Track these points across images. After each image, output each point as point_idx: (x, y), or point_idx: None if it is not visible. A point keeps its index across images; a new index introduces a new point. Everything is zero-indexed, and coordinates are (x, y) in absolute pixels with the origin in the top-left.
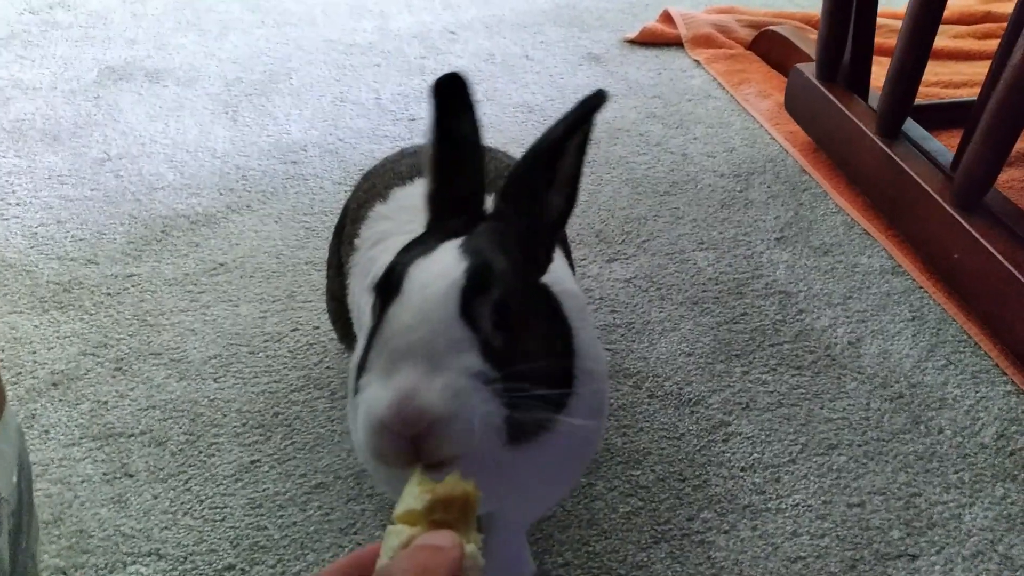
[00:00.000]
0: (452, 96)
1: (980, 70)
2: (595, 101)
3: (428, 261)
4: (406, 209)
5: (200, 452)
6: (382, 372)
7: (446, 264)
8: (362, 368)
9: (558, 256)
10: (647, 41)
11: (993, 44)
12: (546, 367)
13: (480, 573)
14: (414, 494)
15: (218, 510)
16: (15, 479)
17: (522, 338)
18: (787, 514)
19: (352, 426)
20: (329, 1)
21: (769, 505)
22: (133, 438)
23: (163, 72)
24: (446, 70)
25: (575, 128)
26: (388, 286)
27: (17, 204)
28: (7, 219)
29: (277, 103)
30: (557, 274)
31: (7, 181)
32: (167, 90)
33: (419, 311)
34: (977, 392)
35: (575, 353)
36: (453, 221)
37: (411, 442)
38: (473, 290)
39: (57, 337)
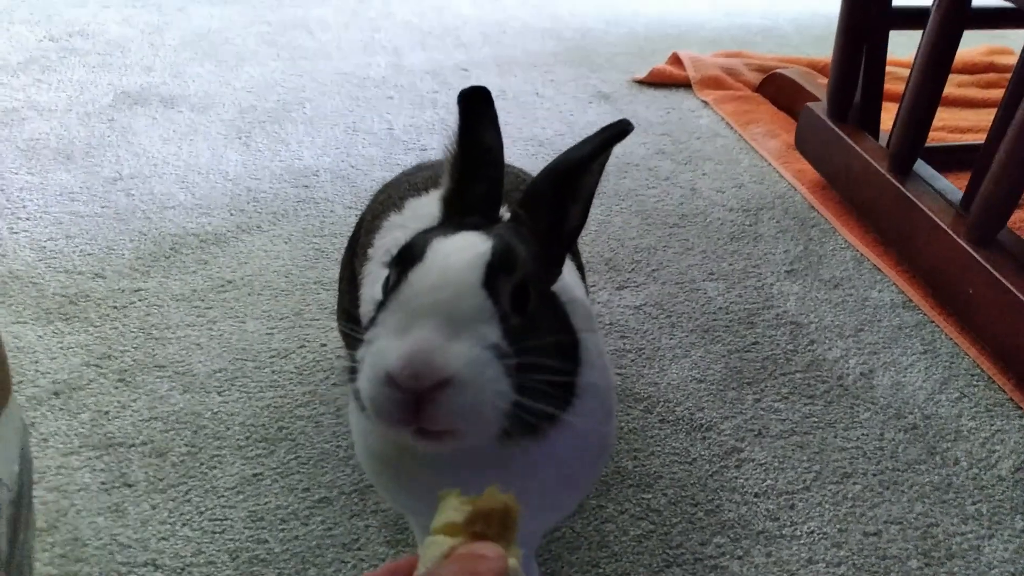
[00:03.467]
0: (478, 106)
1: (984, 117)
2: (620, 127)
3: (451, 238)
4: (421, 218)
5: (201, 464)
6: (397, 328)
7: (471, 240)
8: (369, 327)
9: (570, 268)
10: (656, 81)
11: (996, 93)
12: (557, 360)
13: None
14: (453, 506)
15: (218, 522)
16: (16, 468)
17: (537, 328)
18: (802, 541)
19: (353, 423)
20: (343, 37)
21: (784, 532)
22: (134, 448)
23: (178, 98)
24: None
25: (601, 151)
26: (408, 257)
27: (27, 219)
28: (16, 233)
29: (290, 130)
30: (566, 282)
31: (18, 196)
32: (181, 115)
33: (443, 275)
34: (992, 425)
35: (580, 362)
36: (469, 219)
37: (415, 401)
38: (497, 266)
39: (60, 348)
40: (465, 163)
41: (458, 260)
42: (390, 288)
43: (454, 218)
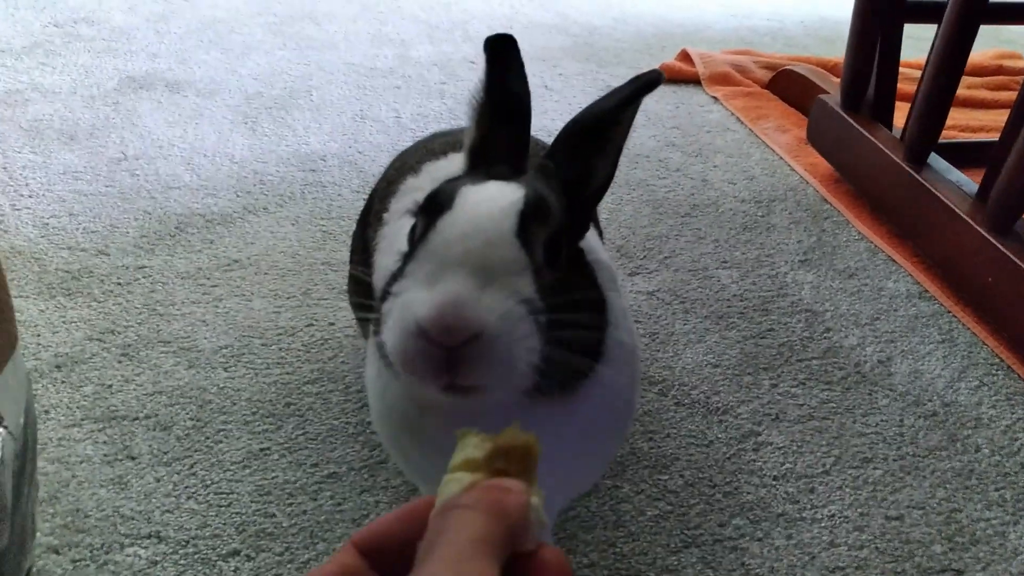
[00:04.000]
0: (505, 53)
1: (994, 117)
2: (651, 77)
3: (481, 187)
4: (439, 180)
5: (207, 438)
6: (426, 278)
7: (503, 190)
8: (395, 279)
9: (591, 230)
10: (665, 77)
11: (1005, 95)
12: (585, 318)
13: (543, 528)
14: (473, 443)
15: (224, 495)
16: (22, 421)
17: (568, 283)
18: (823, 524)
19: (370, 385)
20: (351, 29)
21: (804, 515)
22: (137, 421)
23: (184, 83)
24: (466, 95)
25: (630, 101)
26: (436, 205)
27: (30, 196)
28: (19, 210)
29: (297, 117)
30: (591, 243)
31: (21, 175)
32: (187, 100)
33: (475, 223)
34: (1013, 413)
35: (608, 323)
36: (497, 168)
37: (446, 355)
38: (531, 216)
39: (63, 322)
40: (492, 111)
41: (490, 208)
42: (417, 237)
43: (481, 168)
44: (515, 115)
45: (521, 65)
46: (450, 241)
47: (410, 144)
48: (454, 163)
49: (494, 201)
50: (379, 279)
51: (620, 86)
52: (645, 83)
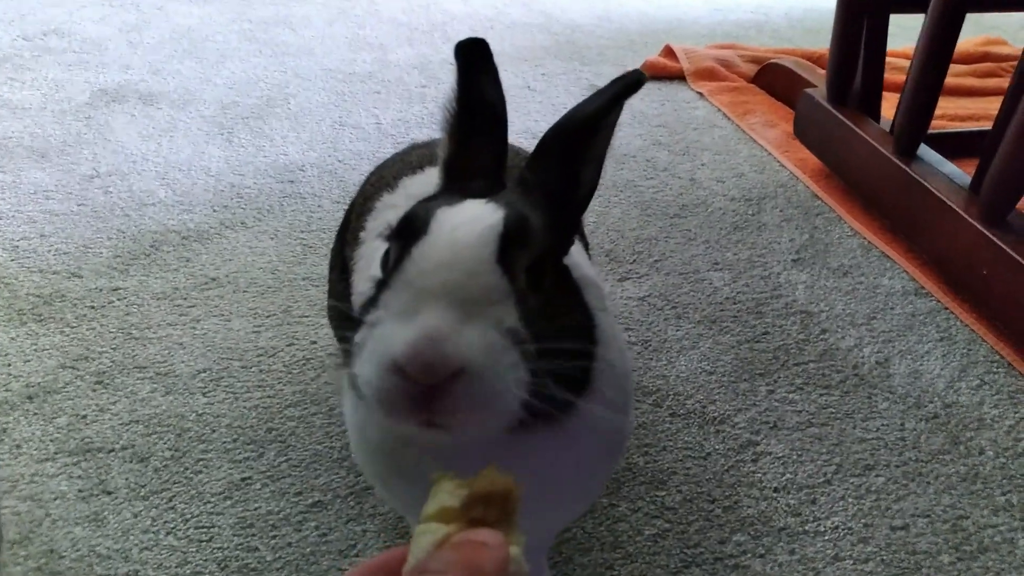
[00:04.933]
0: (476, 59)
1: (983, 105)
2: (633, 78)
3: (457, 209)
4: (415, 198)
5: (186, 469)
6: (402, 310)
7: (480, 211)
8: (368, 309)
9: (576, 243)
10: (649, 74)
11: (993, 81)
12: (575, 342)
13: None
14: (448, 490)
15: (204, 530)
16: None
17: (553, 307)
18: (826, 537)
19: (348, 415)
20: (327, 34)
21: (806, 528)
22: (113, 453)
23: (157, 95)
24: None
25: (613, 104)
26: (410, 229)
27: None
28: None
29: (274, 126)
30: (576, 259)
31: None
32: (161, 112)
33: (452, 251)
34: (1016, 412)
35: (597, 343)
36: (473, 184)
37: (424, 392)
38: (511, 239)
39: (35, 350)
40: (466, 122)
41: (468, 233)
42: (392, 265)
43: (457, 185)
44: (491, 125)
45: (495, 71)
46: (426, 271)
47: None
48: (432, 177)
49: (472, 225)
50: (357, 302)
51: (601, 89)
52: (627, 85)
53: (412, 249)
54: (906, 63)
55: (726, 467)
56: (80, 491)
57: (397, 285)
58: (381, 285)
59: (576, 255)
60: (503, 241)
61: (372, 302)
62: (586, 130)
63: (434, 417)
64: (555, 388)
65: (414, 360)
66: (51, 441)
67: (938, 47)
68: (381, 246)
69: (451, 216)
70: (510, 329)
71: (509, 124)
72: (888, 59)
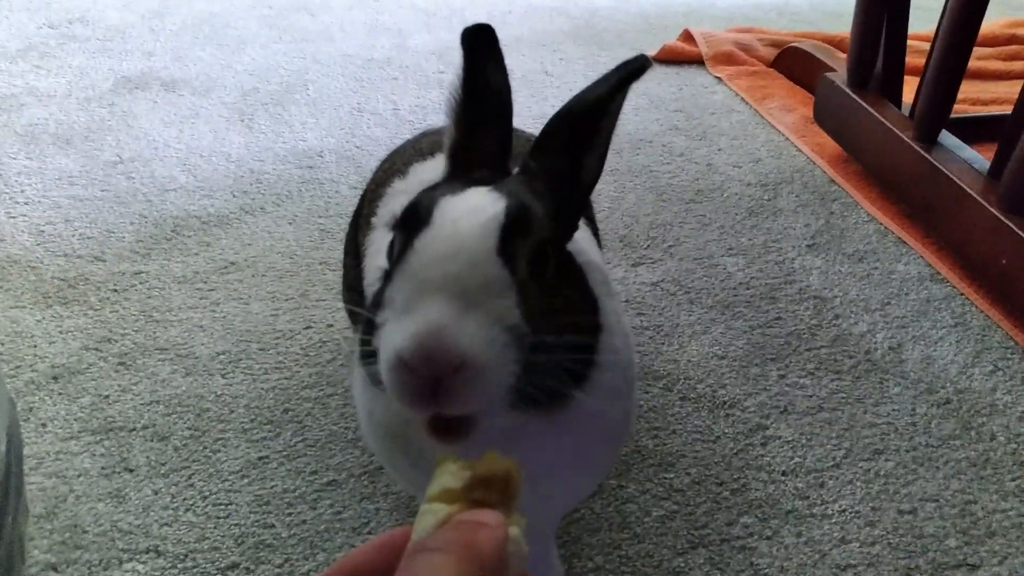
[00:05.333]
0: (482, 45)
1: (1007, 88)
2: (638, 63)
3: (460, 198)
4: (426, 183)
5: (205, 448)
6: (406, 305)
7: (481, 201)
8: (377, 305)
9: (583, 228)
10: (668, 59)
11: (1018, 65)
12: (577, 333)
13: (523, 561)
14: (451, 471)
15: (222, 507)
16: (3, 449)
17: (555, 295)
18: (834, 520)
19: (357, 399)
20: (346, 19)
21: (814, 511)
22: (135, 432)
23: (179, 82)
24: None
25: (618, 90)
26: (413, 220)
27: (25, 203)
28: (14, 217)
29: (293, 112)
30: (581, 244)
31: (16, 181)
32: (183, 99)
33: (453, 242)
34: None
35: (601, 329)
36: (477, 172)
37: (431, 385)
38: (512, 229)
39: (59, 332)
40: (472, 109)
41: (469, 224)
42: (396, 256)
43: (461, 172)
44: (496, 112)
45: (501, 57)
46: (428, 263)
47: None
48: (441, 164)
49: (474, 216)
50: (368, 286)
51: (606, 74)
52: (632, 71)
53: (415, 240)
54: (927, 46)
55: (735, 450)
56: (103, 468)
57: (400, 279)
58: (386, 277)
59: (581, 240)
60: (504, 232)
61: (379, 297)
62: (590, 116)
63: (441, 408)
64: (554, 381)
65: (416, 354)
66: (75, 420)
67: (960, 32)
68: (387, 235)
69: (453, 206)
70: (511, 324)
71: (527, 109)
72: (910, 42)
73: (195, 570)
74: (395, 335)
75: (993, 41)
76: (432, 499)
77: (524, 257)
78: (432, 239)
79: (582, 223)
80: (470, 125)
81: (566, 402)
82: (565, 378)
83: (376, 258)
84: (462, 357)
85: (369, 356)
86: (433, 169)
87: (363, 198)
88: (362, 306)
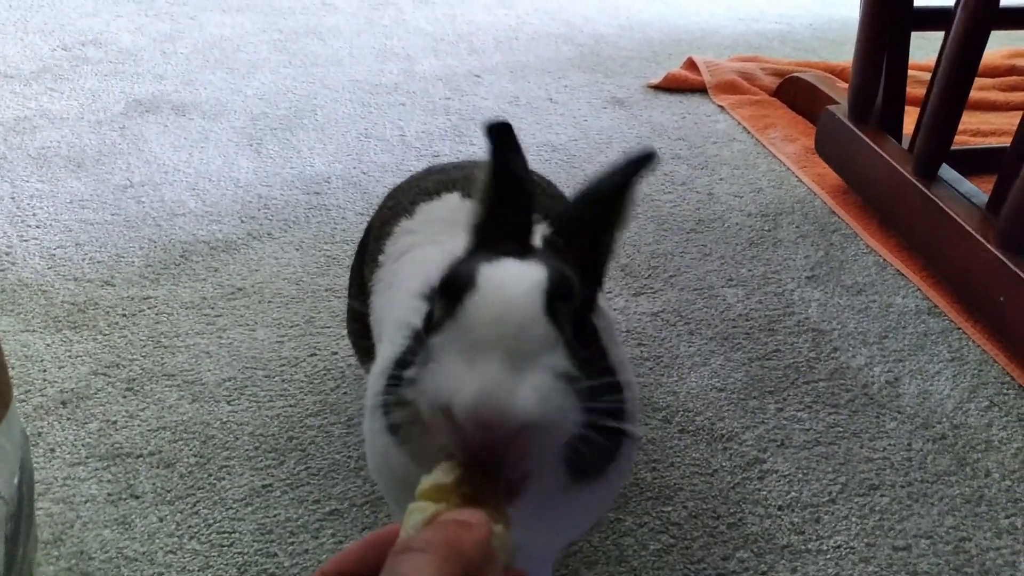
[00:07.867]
0: (507, 137)
1: (1007, 120)
2: (643, 156)
3: (499, 266)
4: (433, 222)
5: (210, 475)
6: (459, 358)
7: (523, 268)
8: (405, 364)
9: None
10: (671, 87)
11: (1018, 96)
12: (614, 379)
13: (508, 555)
14: (444, 467)
15: (226, 535)
16: (16, 481)
17: (594, 356)
18: (828, 556)
19: (369, 439)
20: (355, 44)
21: (809, 546)
22: (141, 459)
23: (189, 106)
24: (471, 111)
25: (631, 178)
26: (456, 285)
27: (37, 226)
28: (26, 240)
29: (301, 137)
30: None
31: (29, 204)
32: (192, 123)
33: (504, 304)
34: None
35: (615, 370)
36: (503, 245)
37: (488, 447)
38: (556, 294)
39: (69, 356)
40: (497, 191)
41: (517, 288)
42: (438, 320)
43: (487, 246)
44: (519, 196)
45: (519, 148)
46: (482, 323)
47: (414, 165)
48: (448, 204)
49: (519, 280)
50: (375, 322)
51: (616, 167)
52: (638, 165)
53: (465, 302)
54: (927, 76)
55: (732, 484)
56: (109, 495)
57: (450, 334)
58: (429, 332)
59: None
60: (549, 295)
61: (413, 355)
62: (605, 206)
63: (505, 473)
64: (612, 421)
65: (475, 412)
66: (83, 446)
67: (960, 68)
68: (414, 304)
69: (495, 272)
70: (565, 373)
71: (532, 137)
72: (910, 72)
73: None
74: (450, 386)
75: (993, 72)
76: (422, 495)
77: (567, 319)
78: (483, 300)
79: None
80: (495, 205)
81: (603, 476)
82: (609, 448)
83: (384, 295)
84: (524, 417)
85: (388, 407)
86: (439, 209)
87: (367, 233)
88: (366, 339)
